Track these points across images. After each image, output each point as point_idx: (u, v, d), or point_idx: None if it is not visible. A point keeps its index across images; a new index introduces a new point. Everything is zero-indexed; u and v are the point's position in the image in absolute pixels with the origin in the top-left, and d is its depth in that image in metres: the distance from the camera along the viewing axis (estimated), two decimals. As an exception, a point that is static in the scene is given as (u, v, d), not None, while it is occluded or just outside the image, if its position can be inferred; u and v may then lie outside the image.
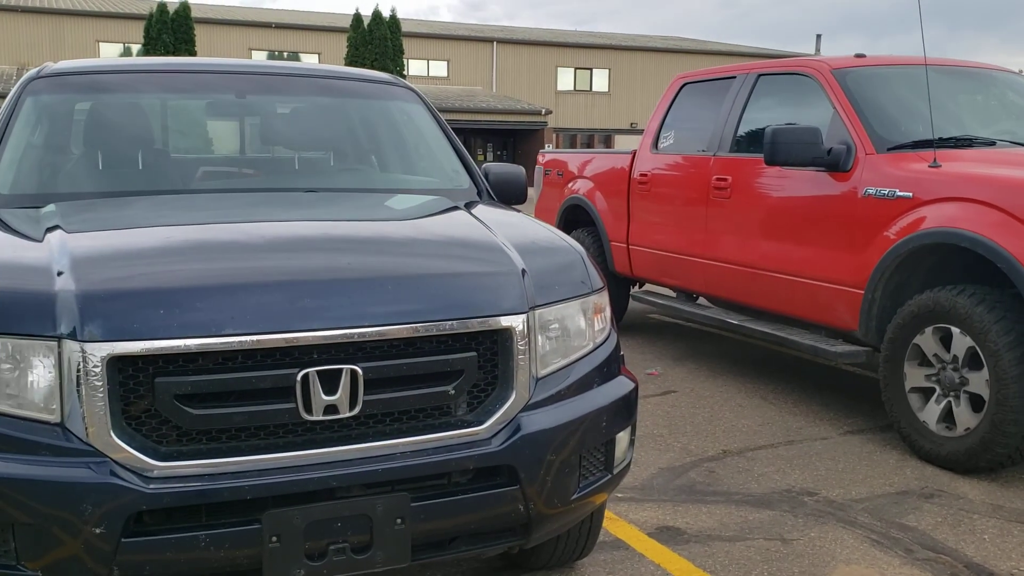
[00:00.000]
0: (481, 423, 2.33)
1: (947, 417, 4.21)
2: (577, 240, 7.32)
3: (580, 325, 2.60)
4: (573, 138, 44.31)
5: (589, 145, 43.71)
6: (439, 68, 43.41)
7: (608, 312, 2.76)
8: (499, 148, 41.26)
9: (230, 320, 2.09)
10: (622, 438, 2.67)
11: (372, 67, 32.17)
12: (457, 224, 2.93)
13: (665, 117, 6.59)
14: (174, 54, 28.01)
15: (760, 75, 5.82)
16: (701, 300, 6.54)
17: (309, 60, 38.11)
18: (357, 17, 32.41)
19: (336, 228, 2.84)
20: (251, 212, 2.94)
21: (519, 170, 3.80)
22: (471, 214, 3.04)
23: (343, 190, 3.44)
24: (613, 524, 3.55)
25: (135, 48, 34.18)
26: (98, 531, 1.97)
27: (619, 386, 2.68)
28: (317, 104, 3.79)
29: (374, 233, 2.81)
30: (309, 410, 2.14)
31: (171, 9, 29.50)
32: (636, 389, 2.75)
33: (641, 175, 6.60)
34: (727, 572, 3.19)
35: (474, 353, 2.32)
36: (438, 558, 2.37)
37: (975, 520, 3.62)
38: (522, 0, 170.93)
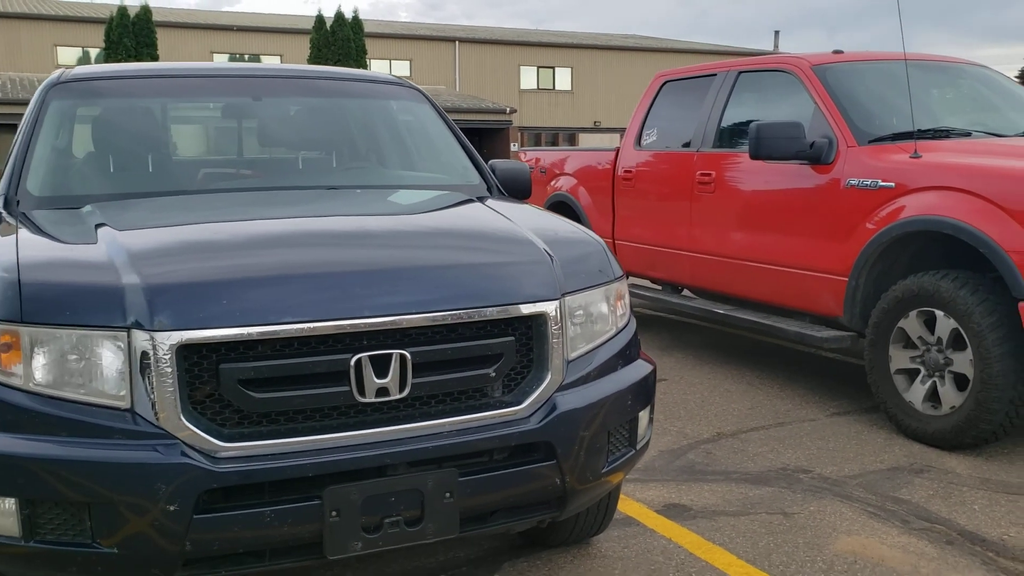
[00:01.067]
0: (520, 403, 2.47)
1: (932, 396, 4.42)
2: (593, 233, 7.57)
3: (604, 311, 2.74)
4: (538, 136, 44.49)
5: (554, 143, 43.91)
6: (402, 68, 43.35)
7: (627, 299, 2.91)
8: (464, 148, 41.25)
9: (288, 309, 2.21)
10: (643, 416, 2.82)
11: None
12: (483, 217, 3.07)
13: (647, 115, 6.76)
14: (136, 58, 27.74)
15: (741, 72, 6.01)
16: (686, 292, 6.73)
17: (271, 62, 37.91)
18: (319, 18, 32.29)
19: (372, 222, 2.96)
20: (287, 209, 3.05)
21: (523, 166, 3.95)
22: (490, 207, 3.18)
23: (364, 186, 3.55)
24: (622, 503, 3.70)
25: (94, 52, 33.78)
26: (171, 508, 2.08)
27: (639, 368, 2.84)
28: (331, 105, 3.90)
29: (409, 226, 2.94)
30: (363, 392, 2.27)
31: (132, 12, 29.19)
32: (654, 371, 2.91)
33: (625, 171, 6.77)
34: (735, 544, 3.35)
35: (512, 338, 2.46)
36: (481, 530, 2.51)
37: (964, 492, 3.83)
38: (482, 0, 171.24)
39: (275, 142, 3.91)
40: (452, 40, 44.28)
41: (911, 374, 4.55)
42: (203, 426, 2.15)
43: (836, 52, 5.74)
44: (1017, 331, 4.00)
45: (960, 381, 4.27)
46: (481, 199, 3.41)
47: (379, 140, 4.02)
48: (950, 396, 4.31)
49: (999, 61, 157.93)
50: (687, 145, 6.20)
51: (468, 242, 2.80)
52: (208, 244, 2.51)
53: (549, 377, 2.50)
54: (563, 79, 46.05)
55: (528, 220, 3.00)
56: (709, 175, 5.89)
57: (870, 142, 4.91)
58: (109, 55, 28.52)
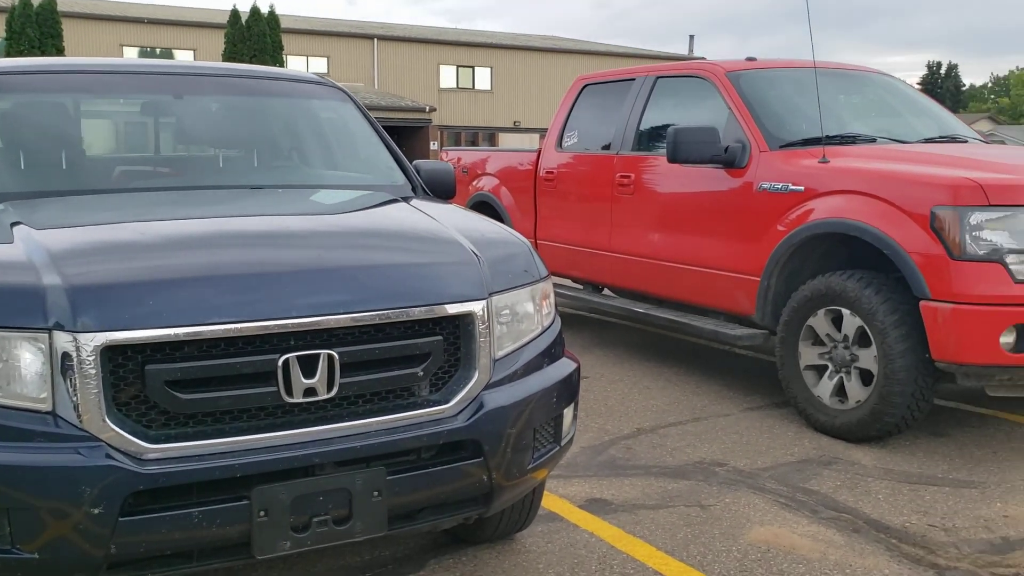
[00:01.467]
0: (447, 402, 2.51)
1: (839, 391, 4.62)
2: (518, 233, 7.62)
3: (529, 311, 2.81)
4: (458, 136, 44.47)
5: (473, 143, 43.94)
6: (319, 65, 42.80)
7: (552, 299, 2.98)
8: (384, 146, 40.97)
9: (214, 309, 2.21)
10: (567, 413, 2.89)
11: (251, 63, 31.50)
12: (408, 217, 3.10)
13: (568, 117, 6.87)
14: (40, 50, 26.75)
15: (659, 77, 6.16)
16: (607, 291, 6.86)
17: (184, 57, 37.00)
18: (235, 13, 31.65)
19: (297, 222, 2.96)
20: (211, 208, 3.03)
21: (448, 166, 3.99)
22: (416, 208, 3.21)
23: (288, 186, 3.54)
24: (546, 499, 3.76)
25: (-5, 42, 32.44)
26: (96, 512, 2.05)
27: (564, 366, 2.91)
28: (252, 104, 3.87)
29: (335, 226, 2.94)
30: (290, 393, 2.28)
31: (36, 2, 28.13)
32: (578, 369, 2.98)
33: (547, 172, 6.86)
34: (654, 536, 3.46)
35: (439, 337, 2.50)
36: (408, 528, 2.54)
37: (869, 483, 4.02)
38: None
39: (195, 140, 3.86)
40: (371, 37, 43.92)
41: (819, 370, 4.74)
42: (128, 428, 2.13)
43: (749, 59, 5.94)
44: (918, 329, 4.21)
45: (865, 376, 4.47)
46: (406, 199, 3.44)
47: (302, 139, 4.01)
48: (856, 391, 4.51)
49: (901, 68, 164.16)
50: (607, 147, 6.32)
51: (395, 242, 2.83)
52: (131, 244, 2.48)
53: (476, 376, 2.55)
54: (483, 79, 46.13)
55: (454, 220, 3.04)
56: (628, 177, 6.02)
57: (781, 147, 5.10)
58: (11, 47, 27.42)
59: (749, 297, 5.12)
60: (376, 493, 2.36)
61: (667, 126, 5.55)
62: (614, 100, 6.46)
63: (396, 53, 44.20)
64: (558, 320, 3.00)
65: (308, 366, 2.29)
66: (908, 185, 4.30)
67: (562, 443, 2.87)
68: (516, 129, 43.63)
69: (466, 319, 2.55)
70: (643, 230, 5.92)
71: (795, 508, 3.73)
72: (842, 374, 4.61)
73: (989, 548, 3.37)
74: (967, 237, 4.03)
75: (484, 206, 7.62)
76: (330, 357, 2.31)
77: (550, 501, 3.77)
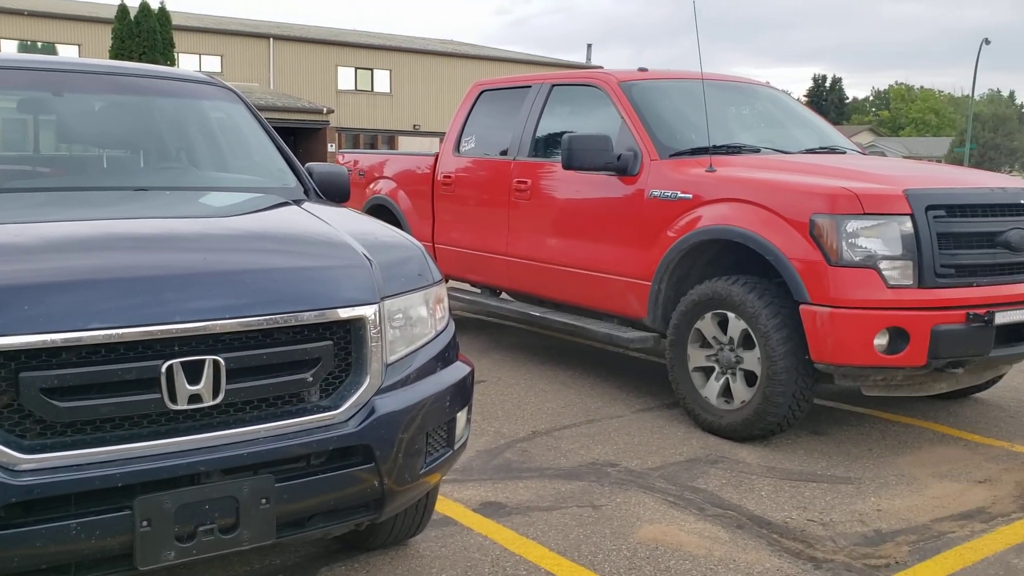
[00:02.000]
0: (338, 407, 2.49)
1: (726, 392, 4.78)
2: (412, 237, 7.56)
3: (423, 315, 2.81)
4: (356, 138, 44.01)
5: (372, 145, 43.57)
6: (212, 63, 41.75)
7: (446, 303, 3.00)
8: (280, 147, 40.24)
9: (94, 315, 2.14)
10: (461, 417, 2.91)
11: (140, 61, 30.48)
12: (300, 221, 3.06)
13: (465, 122, 6.89)
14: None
15: (554, 85, 6.25)
16: (504, 295, 6.91)
17: (68, 52, 35.52)
18: (123, 8, 30.55)
19: (184, 224, 2.89)
20: (93, 210, 2.93)
21: (341, 169, 3.95)
22: (307, 211, 3.18)
23: (175, 188, 3.45)
24: (440, 503, 3.77)
25: None
26: (-35, 527, 1.97)
27: (457, 370, 2.92)
28: (139, 103, 3.75)
29: (223, 229, 2.88)
30: (174, 399, 2.23)
31: (-95, -12, 26.56)
32: (472, 373, 3.00)
33: (444, 177, 6.87)
34: (547, 538, 3.51)
35: (330, 342, 2.48)
36: (299, 535, 2.51)
37: (753, 480, 4.17)
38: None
39: (78, 140, 3.73)
40: (267, 37, 43.08)
41: (707, 371, 4.89)
42: (0, 438, 2.05)
43: (641, 70, 6.08)
44: (798, 331, 4.40)
45: (749, 378, 4.64)
46: (298, 202, 3.40)
47: (190, 140, 3.91)
48: (741, 392, 4.67)
49: (789, 81, 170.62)
50: (504, 153, 6.38)
51: (285, 246, 2.80)
52: (5, 246, 2.38)
53: (368, 381, 2.54)
54: (382, 81, 45.80)
55: (346, 224, 3.03)
56: (525, 183, 6.09)
57: (671, 156, 5.24)
58: None
59: (641, 301, 5.25)
60: (264, 501, 2.33)
61: (563, 133, 5.64)
62: (511, 106, 6.52)
63: (293, 53, 43.48)
64: (452, 324, 3.02)
65: (192, 372, 2.25)
66: (789, 194, 4.48)
67: (455, 447, 2.89)
68: (416, 132, 43.48)
69: (357, 324, 2.54)
70: (539, 235, 5.99)
71: (683, 506, 3.84)
72: (728, 375, 4.77)
73: (863, 541, 3.54)
74: (843, 244, 4.23)
75: (381, 210, 7.58)
76: (215, 363, 2.27)
77: (445, 505, 3.78)
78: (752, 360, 4.60)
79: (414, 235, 7.15)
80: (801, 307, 4.35)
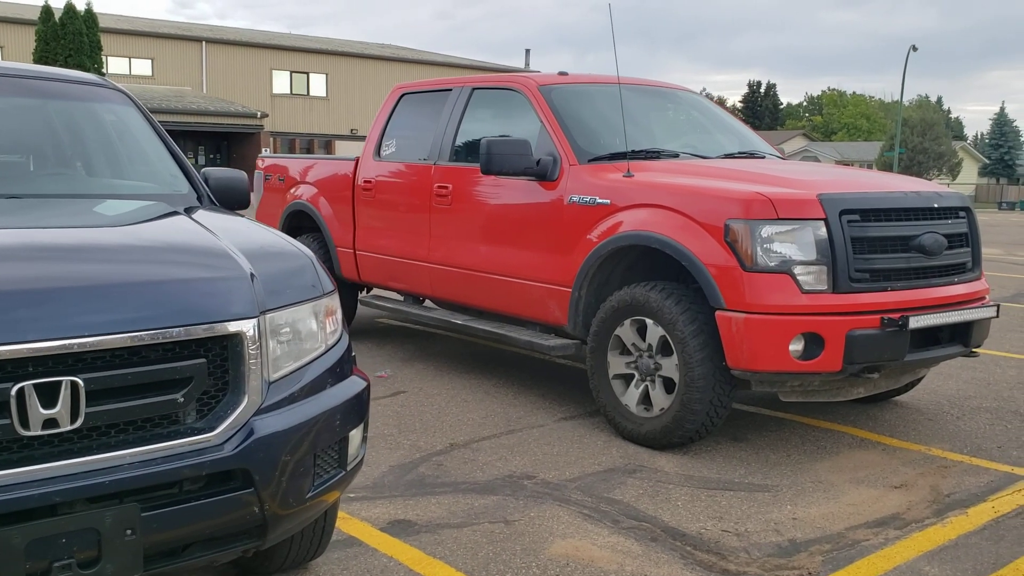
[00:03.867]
0: (212, 429, 2.34)
1: (645, 400, 4.71)
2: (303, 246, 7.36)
3: (312, 328, 2.67)
4: (292, 142, 43.43)
5: (309, 150, 43.04)
6: (143, 67, 40.84)
7: (339, 314, 2.85)
8: (212, 151, 39.54)
9: None
10: (355, 435, 2.77)
11: (66, 64, 29.60)
12: (179, 229, 2.89)
13: (386, 126, 6.75)
14: None
15: (474, 89, 6.14)
16: (428, 303, 6.77)
17: (-10, 53, 34.39)
18: (47, 9, 29.67)
19: (48, 236, 2.69)
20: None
21: (240, 175, 3.78)
22: (193, 219, 3.01)
23: (52, 196, 3.25)
24: (346, 523, 3.63)
25: None
26: None
27: (351, 386, 2.78)
28: (19, 105, 3.54)
29: (90, 240, 2.70)
30: (26, 425, 2.05)
31: None
32: (368, 388, 2.87)
33: (365, 182, 6.71)
34: (455, 557, 3.38)
35: (203, 360, 2.33)
36: (172, 566, 2.34)
37: (670, 490, 4.09)
38: (235, 0, 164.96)
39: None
40: (199, 40, 42.28)
41: (627, 379, 4.82)
42: None
43: (562, 73, 6.00)
44: (715, 338, 4.34)
45: (668, 384, 4.57)
46: (189, 209, 3.23)
47: (78, 145, 3.70)
48: (659, 399, 4.61)
49: (725, 87, 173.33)
50: (425, 158, 6.24)
51: (158, 258, 2.62)
52: None
53: (246, 400, 2.39)
54: (318, 85, 45.29)
55: (233, 233, 2.87)
56: (446, 188, 5.96)
57: (590, 161, 5.16)
58: None
59: (562, 308, 5.16)
60: (129, 531, 2.16)
61: (483, 138, 5.52)
62: (432, 110, 6.39)
63: (226, 57, 42.75)
64: (346, 336, 2.88)
65: (48, 395, 2.07)
66: (704, 199, 4.43)
67: (348, 468, 2.75)
68: (353, 137, 43.02)
69: (234, 340, 2.38)
70: (461, 241, 5.87)
71: (597, 519, 3.74)
72: (647, 382, 4.70)
73: (777, 551, 3.48)
74: (758, 249, 4.19)
75: (300, 215, 7.39)
76: (73, 384, 2.10)
77: (350, 525, 3.63)
78: (670, 367, 4.54)
79: (335, 242, 7.01)
80: (717, 313, 4.30)
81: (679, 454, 4.58)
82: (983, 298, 4.85)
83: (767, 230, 4.20)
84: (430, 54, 52.08)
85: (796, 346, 4.19)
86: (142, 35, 41.04)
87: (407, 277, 6.42)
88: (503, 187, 5.54)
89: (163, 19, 51.13)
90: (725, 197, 4.37)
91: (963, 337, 4.64)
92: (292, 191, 7.56)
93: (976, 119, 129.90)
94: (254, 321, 2.42)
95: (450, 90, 6.30)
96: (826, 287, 4.21)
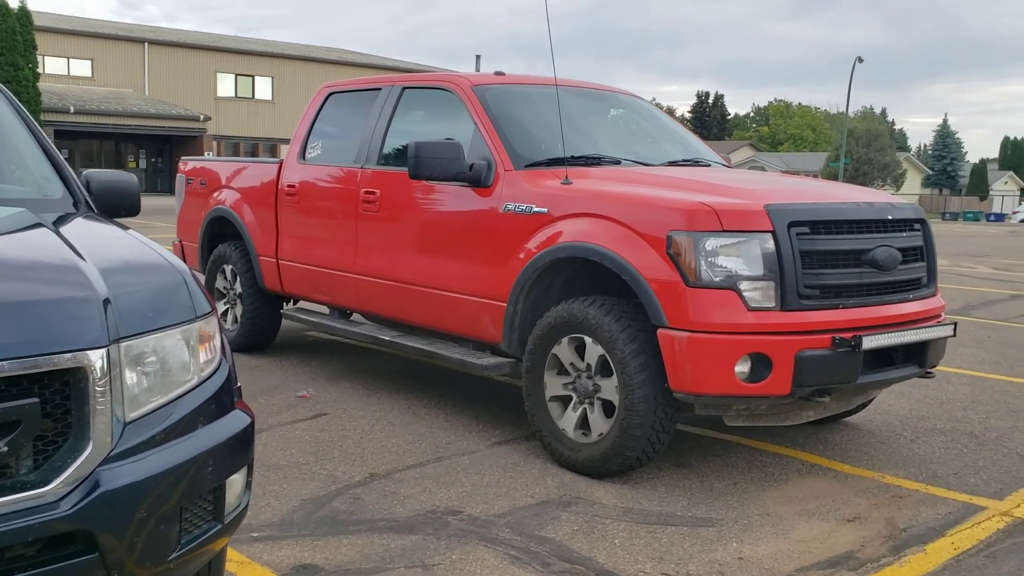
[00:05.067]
0: (47, 483, 1.94)
1: (583, 424, 4.37)
2: (224, 255, 6.93)
3: (182, 357, 2.28)
4: (236, 146, 42.63)
5: (254, 154, 42.26)
6: (82, 67, 39.77)
7: (218, 340, 2.46)
8: (154, 155, 38.63)
9: None
10: (235, 481, 2.38)
11: (-1, 62, 28.69)
12: (27, 243, 2.47)
13: (312, 127, 6.34)
14: None
15: (405, 88, 5.77)
16: (356, 316, 6.37)
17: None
18: (-21, 6, 28.70)
19: None
20: None
21: (129, 178, 3.37)
22: (53, 230, 2.59)
23: None
24: (243, 568, 3.24)
25: None
26: None
27: (232, 423, 2.40)
28: None
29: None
30: None
31: None
32: (252, 424, 2.48)
33: (289, 186, 6.29)
34: (366, 608, 3.00)
35: (35, 399, 1.93)
36: (-7, 653, 1.93)
37: (607, 525, 3.75)
38: (183, 3, 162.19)
39: None
40: (141, 41, 41.35)
41: (564, 401, 4.48)
42: None
43: (498, 73, 5.66)
44: (657, 358, 4.02)
45: (608, 408, 4.24)
46: (64, 217, 2.81)
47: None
48: (599, 423, 4.27)
49: (674, 97, 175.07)
50: (352, 161, 5.85)
51: (-11, 276, 2.21)
52: None
53: (91, 447, 2.00)
54: (263, 88, 44.57)
55: (98, 247, 2.47)
56: (374, 193, 5.57)
57: (526, 166, 4.82)
58: None
59: (496, 324, 4.80)
60: (-71, 614, 1.75)
61: (410, 141, 5.14)
62: (360, 110, 6.00)
63: (169, 59, 41.86)
64: (226, 365, 2.48)
65: None
66: (645, 209, 4.11)
67: (226, 520, 2.35)
68: (299, 142, 42.30)
69: (77, 374, 1.99)
70: (389, 251, 5.49)
71: (526, 562, 3.38)
72: (585, 405, 4.36)
73: (721, 596, 3.16)
74: (702, 263, 3.88)
75: (222, 222, 6.94)
76: None
77: (250, 571, 3.23)
78: (610, 389, 4.20)
79: (257, 250, 6.57)
80: (659, 331, 3.98)
81: (618, 483, 4.24)
82: (939, 316, 4.60)
83: (711, 243, 3.89)
84: (378, 58, 51.57)
85: (742, 368, 3.88)
86: (82, 35, 40.04)
87: (332, 289, 6.01)
88: (434, 193, 5.18)
89: (105, 19, 49.85)
90: (667, 207, 4.05)
91: (918, 357, 4.38)
92: (214, 196, 7.10)
93: (919, 131, 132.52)
94: (103, 351, 2.03)
95: (379, 89, 5.92)
96: (774, 304, 3.91)
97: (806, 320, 3.95)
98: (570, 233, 4.39)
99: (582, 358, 4.35)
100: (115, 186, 3.28)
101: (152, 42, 41.64)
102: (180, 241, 7.68)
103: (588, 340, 4.28)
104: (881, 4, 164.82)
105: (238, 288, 6.87)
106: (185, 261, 7.70)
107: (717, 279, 3.88)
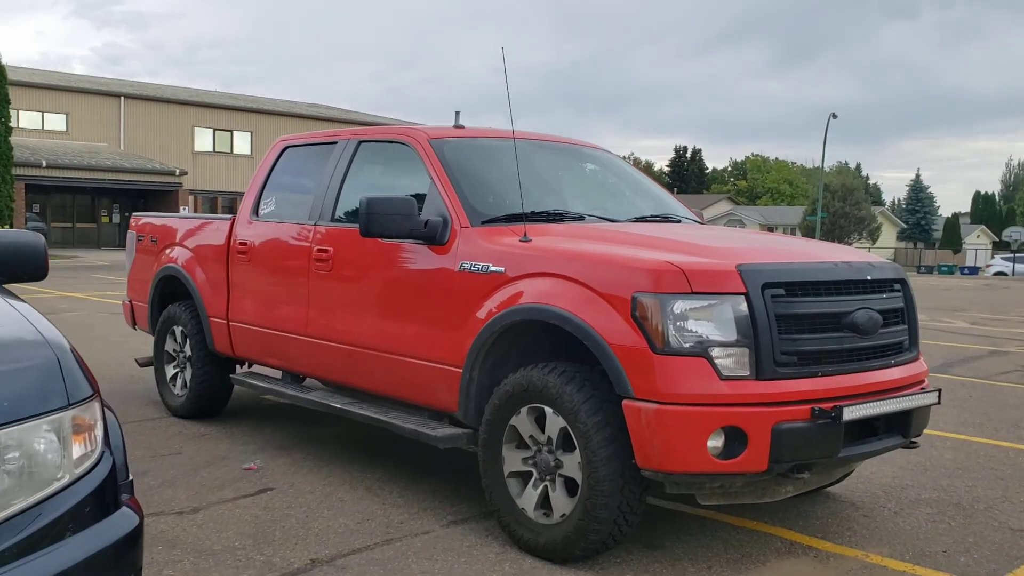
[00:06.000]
0: None
1: (545, 503, 4.02)
2: (174, 315, 6.56)
3: (48, 453, 1.93)
4: (214, 200, 42.37)
5: (232, 209, 41.98)
6: (56, 121, 39.56)
7: (99, 431, 2.12)
8: (127, 209, 38.24)
9: None
10: (117, 596, 2.02)
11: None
12: None
13: (266, 182, 6.05)
14: None
15: (361, 141, 5.50)
16: (310, 381, 6.01)
17: None
18: (-49, 59, 28.53)
19: None
20: None
21: (35, 238, 3.04)
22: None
23: None
24: None
25: None
26: None
27: (114, 527, 2.04)
28: None
29: None
30: None
31: None
32: (140, 527, 2.12)
33: (240, 244, 5.97)
34: None
35: None
36: None
37: (567, 618, 3.38)
38: (166, 58, 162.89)
39: None
40: (117, 96, 41.26)
41: (524, 477, 4.13)
42: None
43: (457, 127, 5.41)
44: (623, 431, 3.70)
45: (570, 486, 3.90)
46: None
47: None
48: (561, 502, 3.92)
49: (653, 151, 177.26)
50: (306, 218, 5.55)
51: None
52: None
53: (-84, 569, 1.64)
54: (242, 143, 44.51)
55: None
56: (327, 252, 5.26)
57: (483, 223, 4.53)
58: None
59: (451, 391, 4.47)
60: None
61: (362, 197, 4.85)
62: (315, 165, 5.72)
63: (146, 113, 41.76)
64: (107, 460, 2.13)
65: None
66: (608, 268, 3.82)
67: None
68: (276, 196, 42.16)
69: (-99, 480, 1.64)
70: (341, 312, 5.16)
71: (474, 667, 3.01)
72: (547, 482, 4.01)
73: None
74: (670, 328, 3.57)
75: (173, 281, 6.60)
76: None
77: None
78: (572, 465, 3.86)
79: (208, 311, 6.22)
80: (624, 402, 3.66)
81: (583, 568, 3.88)
82: (923, 381, 4.32)
83: (680, 305, 3.60)
84: (359, 113, 51.75)
85: (715, 442, 3.56)
86: (57, 89, 39.94)
87: (284, 352, 5.67)
88: (388, 251, 4.87)
89: (81, 74, 49.80)
90: (632, 266, 3.76)
91: (902, 427, 4.08)
92: (166, 253, 6.77)
93: (893, 185, 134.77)
94: (-63, 451, 1.68)
95: (335, 143, 5.65)
96: (748, 373, 3.61)
97: (783, 390, 3.64)
98: (529, 294, 4.09)
99: (543, 430, 4.02)
100: (14, 247, 2.95)
101: (128, 96, 41.54)
102: (130, 300, 7.32)
103: (549, 411, 3.95)
104: (855, 62, 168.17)
105: (188, 351, 6.50)
106: (135, 322, 7.35)
107: (686, 345, 3.58)
